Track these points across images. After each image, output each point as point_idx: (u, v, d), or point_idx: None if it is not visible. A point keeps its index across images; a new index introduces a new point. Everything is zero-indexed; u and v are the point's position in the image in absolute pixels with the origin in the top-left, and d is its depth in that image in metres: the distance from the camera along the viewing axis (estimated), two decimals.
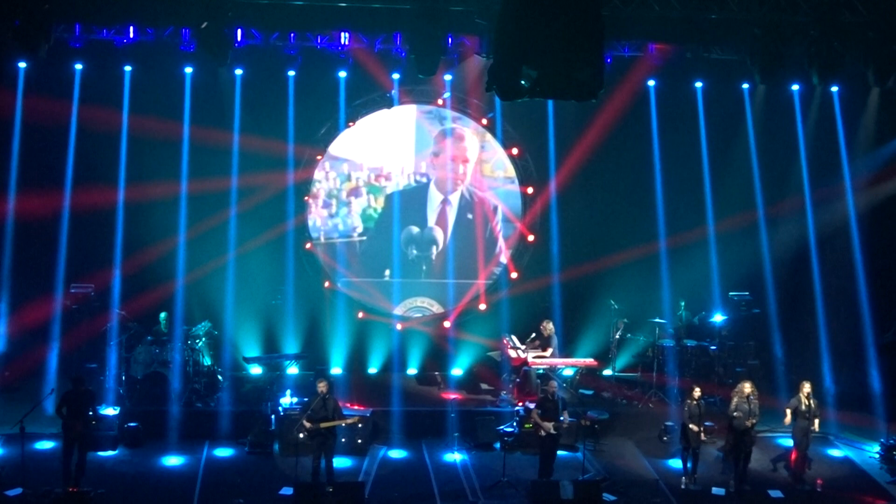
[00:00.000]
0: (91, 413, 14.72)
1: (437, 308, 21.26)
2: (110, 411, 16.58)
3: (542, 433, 15.15)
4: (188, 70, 19.23)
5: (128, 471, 15.48)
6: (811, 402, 15.62)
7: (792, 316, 20.49)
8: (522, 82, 8.97)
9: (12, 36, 15.19)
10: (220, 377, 18.90)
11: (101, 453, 15.94)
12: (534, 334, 18.75)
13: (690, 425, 15.24)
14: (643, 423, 17.97)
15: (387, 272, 21.07)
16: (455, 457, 16.48)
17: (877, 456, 16.90)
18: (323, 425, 14.37)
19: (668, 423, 17.35)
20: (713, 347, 19.75)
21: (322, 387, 14.57)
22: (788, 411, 15.73)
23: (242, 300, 19.80)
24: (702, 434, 15.37)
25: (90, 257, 19.14)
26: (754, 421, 15.28)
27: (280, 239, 20.20)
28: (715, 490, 15.21)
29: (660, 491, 15.08)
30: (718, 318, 19.88)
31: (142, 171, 19.15)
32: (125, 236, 19.18)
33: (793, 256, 20.60)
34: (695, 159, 20.56)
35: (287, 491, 14.33)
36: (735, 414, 15.23)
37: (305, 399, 15.58)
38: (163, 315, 18.63)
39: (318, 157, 20.67)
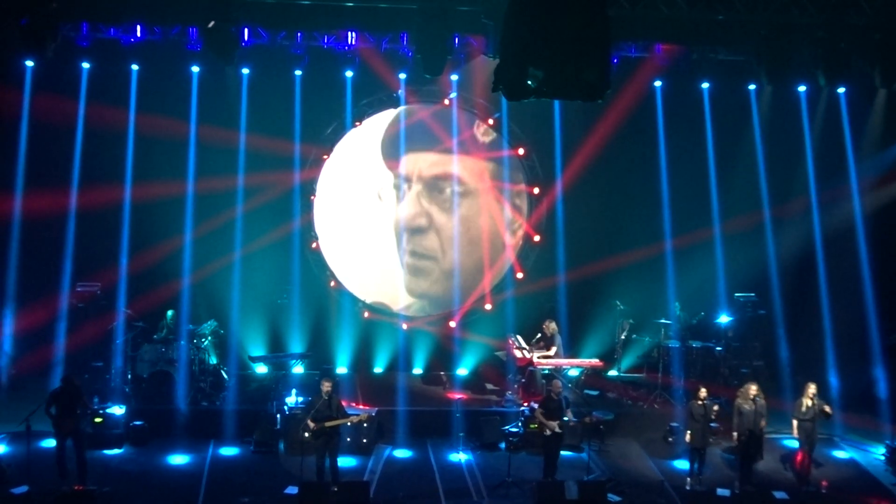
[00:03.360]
0: (82, 408, 14.72)
1: (442, 308, 21.26)
2: (116, 410, 16.64)
3: (547, 432, 15.16)
4: (195, 69, 19.24)
5: (133, 469, 15.52)
6: (816, 402, 15.59)
7: (797, 317, 20.44)
8: (529, 82, 8.94)
9: (19, 35, 15.22)
10: (225, 376, 18.95)
11: (106, 451, 16.03)
12: (539, 334, 18.78)
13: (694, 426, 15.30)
14: (648, 424, 17.98)
15: (390, 272, 21.10)
16: (460, 456, 16.50)
17: (882, 458, 16.90)
18: (327, 424, 14.38)
19: (674, 424, 17.36)
20: (718, 348, 19.75)
21: (326, 386, 14.59)
22: (795, 423, 15.71)
23: (248, 299, 19.83)
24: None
25: (97, 256, 19.19)
26: (763, 424, 15.30)
27: (286, 238, 20.21)
28: (720, 491, 15.14)
29: (665, 491, 15.08)
30: (724, 318, 19.88)
31: (148, 169, 19.19)
32: (131, 235, 19.22)
33: (799, 257, 20.58)
34: (701, 160, 20.53)
35: (292, 490, 14.31)
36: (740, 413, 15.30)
37: (310, 398, 15.61)
38: (170, 312, 18.69)
39: (325, 157, 20.68)
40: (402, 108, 20.77)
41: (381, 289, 21.15)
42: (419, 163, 21.03)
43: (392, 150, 20.95)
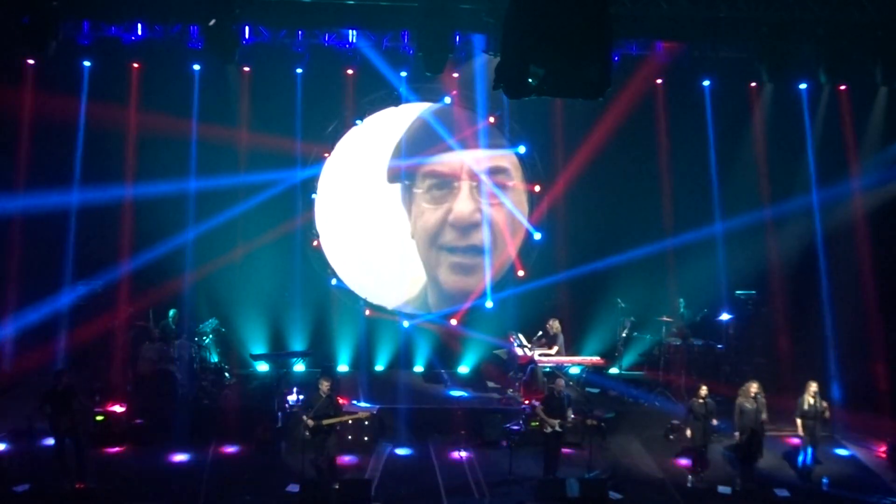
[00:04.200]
0: (78, 406, 14.69)
1: (444, 306, 21.25)
2: (118, 408, 16.65)
3: (547, 429, 15.16)
4: (196, 67, 19.28)
5: (134, 467, 15.49)
6: (818, 401, 15.58)
7: (799, 314, 20.45)
8: (530, 80, 8.95)
9: (21, 33, 15.22)
10: (226, 374, 18.95)
11: (108, 449, 16.01)
12: (540, 332, 18.78)
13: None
14: (649, 422, 17.99)
15: (392, 270, 21.10)
16: (461, 454, 16.51)
17: (883, 455, 16.88)
18: (325, 422, 14.39)
19: (674, 422, 17.35)
20: (720, 346, 19.75)
21: (325, 386, 14.60)
22: (799, 421, 15.70)
23: (250, 297, 19.83)
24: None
25: (98, 254, 19.19)
26: (764, 418, 15.27)
27: (287, 236, 20.24)
28: (721, 489, 15.20)
29: (665, 489, 15.09)
30: (725, 316, 19.87)
31: (150, 168, 19.20)
32: (133, 233, 19.22)
33: (800, 255, 20.58)
34: (702, 157, 20.55)
35: (294, 488, 14.37)
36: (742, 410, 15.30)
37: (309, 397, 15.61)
38: (172, 312, 18.65)
39: (326, 155, 20.68)
40: (401, 107, 20.77)
41: (382, 287, 21.14)
42: (418, 162, 20.99)
43: (392, 149, 20.92)
